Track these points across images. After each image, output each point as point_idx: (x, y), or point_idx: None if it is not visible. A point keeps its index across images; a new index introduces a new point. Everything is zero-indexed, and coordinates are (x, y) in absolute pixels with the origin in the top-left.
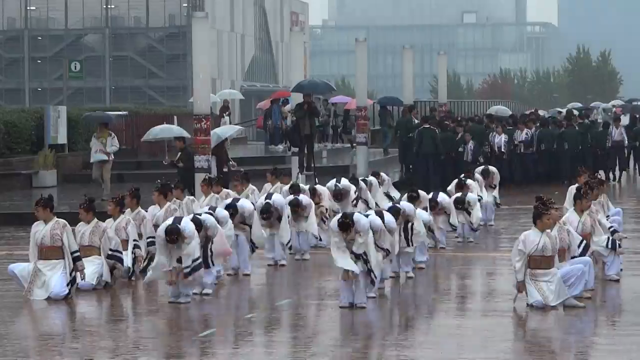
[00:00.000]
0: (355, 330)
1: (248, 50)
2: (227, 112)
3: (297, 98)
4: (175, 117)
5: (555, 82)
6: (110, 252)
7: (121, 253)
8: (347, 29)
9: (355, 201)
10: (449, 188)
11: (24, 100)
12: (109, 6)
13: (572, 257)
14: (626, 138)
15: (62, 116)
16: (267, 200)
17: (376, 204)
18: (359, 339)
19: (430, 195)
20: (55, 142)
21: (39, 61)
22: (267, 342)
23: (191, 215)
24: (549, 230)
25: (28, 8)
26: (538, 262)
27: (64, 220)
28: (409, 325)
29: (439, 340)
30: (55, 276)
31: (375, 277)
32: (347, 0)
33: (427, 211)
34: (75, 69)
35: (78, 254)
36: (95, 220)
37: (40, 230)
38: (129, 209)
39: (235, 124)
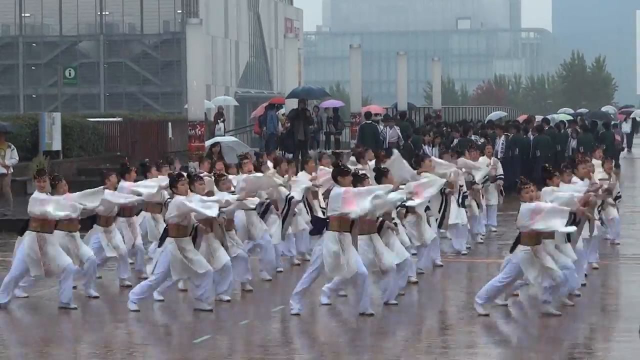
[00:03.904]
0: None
1: (242, 56)
2: (221, 119)
3: (291, 104)
4: (169, 124)
5: (549, 88)
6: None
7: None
8: (341, 35)
9: None
10: None
11: (19, 107)
12: (104, 12)
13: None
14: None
15: (56, 123)
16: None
17: None
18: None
19: None
20: (50, 148)
21: (34, 68)
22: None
23: None
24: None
25: (22, 15)
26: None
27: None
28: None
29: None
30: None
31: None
32: (341, 6)
33: None
34: (70, 75)
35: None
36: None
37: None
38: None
39: (229, 131)
